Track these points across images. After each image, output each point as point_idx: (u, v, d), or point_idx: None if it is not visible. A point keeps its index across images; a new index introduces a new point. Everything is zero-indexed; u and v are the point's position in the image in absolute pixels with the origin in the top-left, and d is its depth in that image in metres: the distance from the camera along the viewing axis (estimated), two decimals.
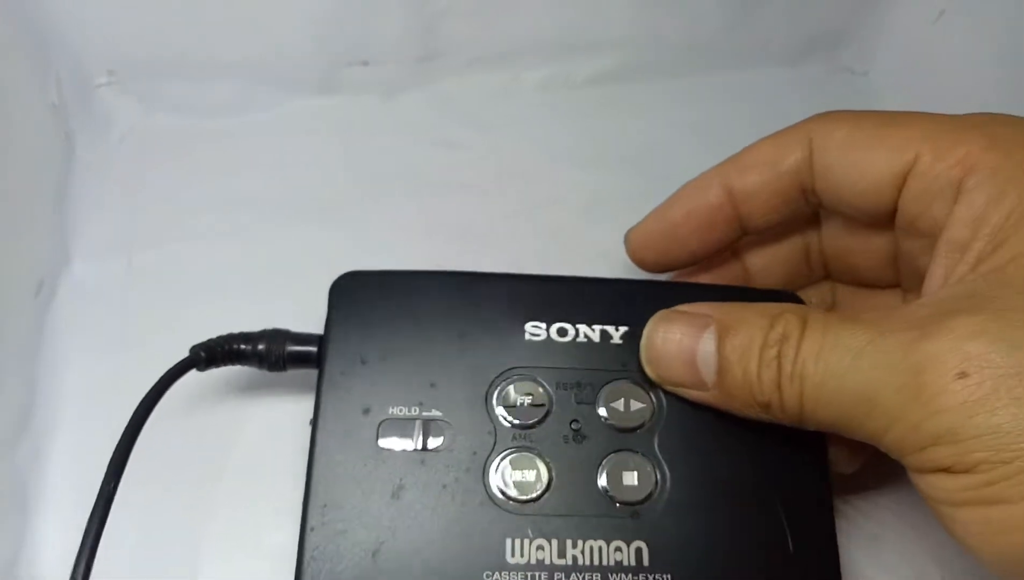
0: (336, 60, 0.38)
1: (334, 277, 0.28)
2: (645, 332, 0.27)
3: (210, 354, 0.27)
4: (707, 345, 0.25)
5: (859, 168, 0.26)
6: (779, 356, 0.23)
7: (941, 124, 0.25)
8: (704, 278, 0.31)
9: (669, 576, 0.24)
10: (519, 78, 0.40)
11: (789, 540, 0.25)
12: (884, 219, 0.27)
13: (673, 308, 0.26)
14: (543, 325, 0.28)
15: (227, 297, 0.33)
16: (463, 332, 0.27)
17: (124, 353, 0.32)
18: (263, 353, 0.27)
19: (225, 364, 0.27)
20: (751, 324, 0.24)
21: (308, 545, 0.24)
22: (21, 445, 0.29)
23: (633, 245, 0.31)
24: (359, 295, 0.28)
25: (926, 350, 0.21)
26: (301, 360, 0.27)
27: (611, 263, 0.33)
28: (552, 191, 0.37)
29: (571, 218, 0.36)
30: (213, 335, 0.27)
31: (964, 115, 0.25)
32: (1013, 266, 0.22)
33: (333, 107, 0.39)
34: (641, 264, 0.31)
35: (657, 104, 0.40)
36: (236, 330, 0.28)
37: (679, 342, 0.25)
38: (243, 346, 0.27)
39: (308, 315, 0.28)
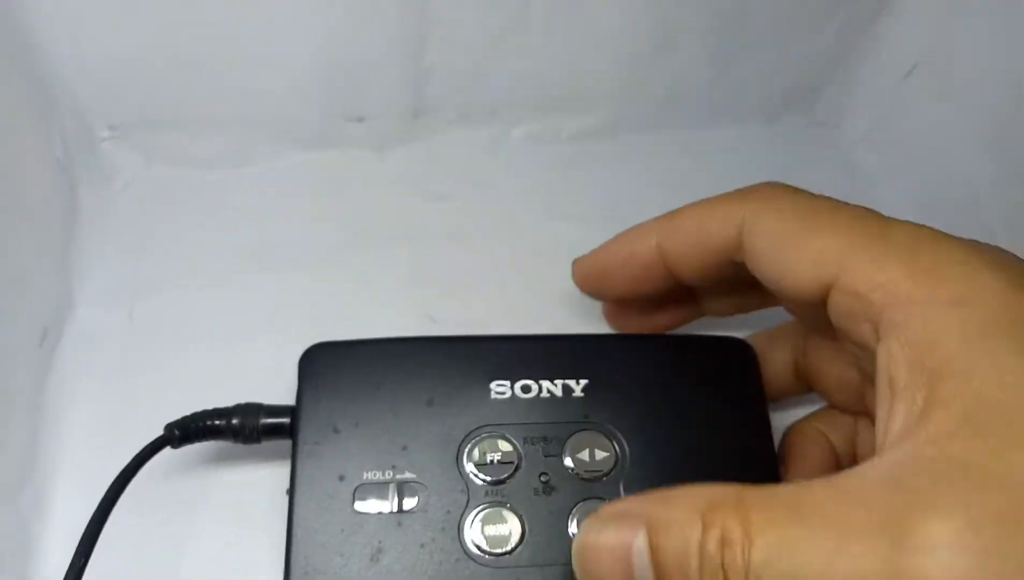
0: (331, 115, 0.40)
1: (328, 326, 0.29)
2: (577, 539, 0.23)
3: (184, 431, 0.28)
4: (640, 553, 0.21)
5: (783, 268, 0.26)
6: (724, 568, 0.20)
7: (865, 237, 0.24)
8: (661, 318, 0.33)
9: None
10: (507, 133, 0.41)
11: None
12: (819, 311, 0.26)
13: (603, 509, 0.23)
14: (507, 383, 0.29)
15: (225, 345, 0.34)
16: (431, 395, 0.29)
17: (125, 402, 0.32)
18: (237, 427, 0.28)
19: (200, 440, 0.28)
20: (681, 523, 0.21)
21: None
22: (24, 492, 0.30)
23: (577, 276, 0.32)
24: (328, 365, 0.29)
25: (906, 570, 0.18)
26: (275, 432, 0.28)
27: (596, 308, 0.34)
28: (537, 242, 0.38)
29: (555, 268, 0.36)
30: (202, 397, 0.28)
31: (894, 225, 0.24)
32: (965, 439, 0.19)
33: (327, 161, 0.40)
34: (584, 292, 0.33)
35: (639, 158, 0.41)
36: (211, 404, 0.28)
37: (612, 551, 0.22)
38: (217, 422, 0.28)
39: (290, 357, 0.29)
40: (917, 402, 0.21)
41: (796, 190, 0.27)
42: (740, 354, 0.30)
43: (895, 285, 0.22)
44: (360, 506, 0.27)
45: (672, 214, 0.29)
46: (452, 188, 0.40)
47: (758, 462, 0.29)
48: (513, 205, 0.40)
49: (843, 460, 0.31)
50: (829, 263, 0.24)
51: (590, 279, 0.32)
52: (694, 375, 0.30)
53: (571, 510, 0.27)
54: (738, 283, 0.29)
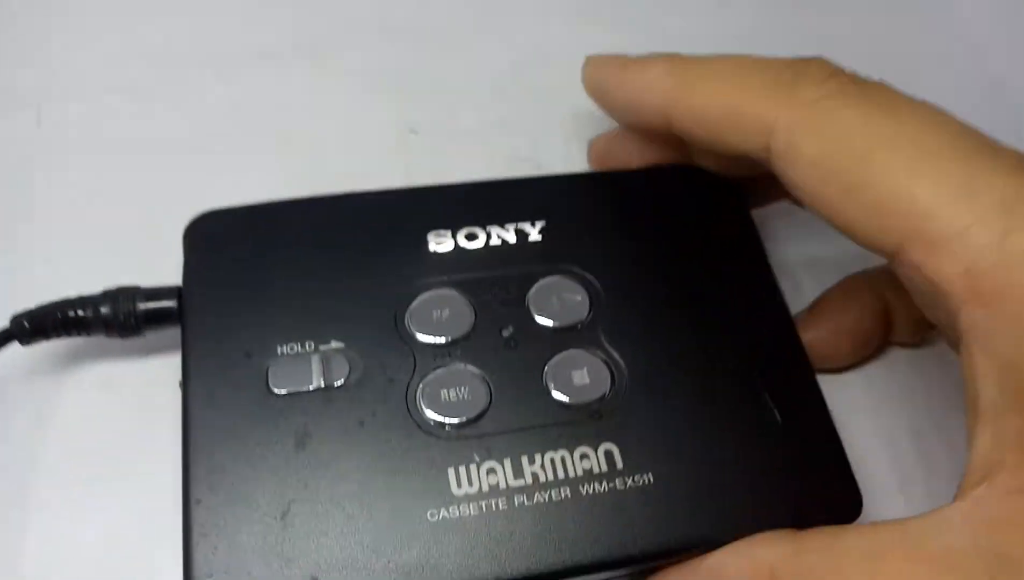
0: None
1: (287, 141, 0.25)
2: None
3: (38, 324, 0.21)
4: None
5: (832, 210, 0.21)
6: None
7: (949, 190, 0.18)
8: None
9: (650, 476, 0.20)
10: None
11: (776, 412, 0.22)
12: None
13: None
14: (447, 233, 0.24)
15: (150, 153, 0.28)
16: (353, 255, 0.23)
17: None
18: (109, 317, 0.22)
19: (60, 335, 0.22)
20: None
21: (196, 521, 0.18)
22: None
23: (586, 81, 0.27)
24: (220, 235, 0.23)
25: None
26: (159, 318, 0.22)
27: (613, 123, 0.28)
28: (544, 44, 0.32)
29: (564, 76, 0.30)
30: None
31: (991, 170, 0.18)
32: None
33: None
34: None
35: None
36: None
37: None
38: (81, 312, 0.21)
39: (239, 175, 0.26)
40: (1008, 432, 0.17)
41: (860, 91, 0.21)
42: (721, 185, 0.26)
43: (982, 272, 0.18)
44: (276, 386, 0.21)
45: (687, 80, 0.23)
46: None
47: (758, 299, 0.24)
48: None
49: (898, 327, 0.26)
50: (892, 224, 0.19)
51: (595, 91, 0.26)
52: (671, 207, 0.25)
53: (543, 366, 0.22)
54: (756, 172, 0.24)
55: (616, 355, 0.22)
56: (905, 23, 0.36)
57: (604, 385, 0.22)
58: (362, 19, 0.33)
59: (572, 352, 0.22)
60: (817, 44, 0.23)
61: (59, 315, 0.21)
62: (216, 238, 0.23)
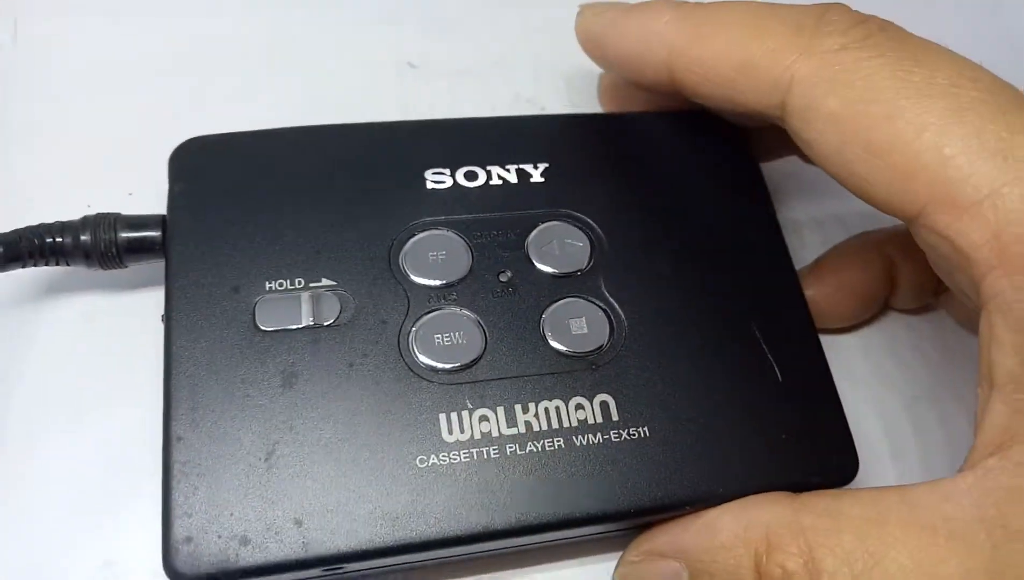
0: None
1: (281, 75, 0.24)
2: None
3: (12, 249, 0.20)
4: None
5: (850, 171, 0.20)
6: None
7: (978, 151, 0.17)
8: None
9: (646, 429, 0.20)
10: None
11: (776, 368, 0.21)
12: None
13: (637, 544, 0.20)
14: (446, 171, 0.23)
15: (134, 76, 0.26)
16: (350, 189, 0.22)
17: None
18: (88, 245, 0.21)
19: (38, 263, 0.20)
20: (729, 562, 0.18)
21: (176, 459, 0.18)
22: None
23: (580, 33, 0.25)
24: (208, 163, 0.22)
25: None
26: (142, 248, 0.21)
27: None
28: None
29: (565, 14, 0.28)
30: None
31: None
32: None
33: None
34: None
35: None
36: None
37: None
38: (59, 238, 0.20)
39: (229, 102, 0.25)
40: (1021, 407, 0.17)
41: (888, 40, 0.19)
42: (727, 131, 0.25)
43: (1013, 238, 0.17)
44: (264, 323, 0.20)
45: (695, 29, 0.22)
46: None
47: (763, 255, 0.23)
48: None
49: (901, 291, 0.26)
50: (918, 186, 0.18)
51: (590, 44, 0.25)
52: (677, 153, 0.24)
53: (541, 313, 0.21)
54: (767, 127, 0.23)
55: (616, 305, 0.21)
56: None
57: (602, 335, 0.21)
58: None
59: (571, 300, 0.21)
60: None
61: (35, 241, 0.20)
62: (203, 166, 0.22)
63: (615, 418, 0.20)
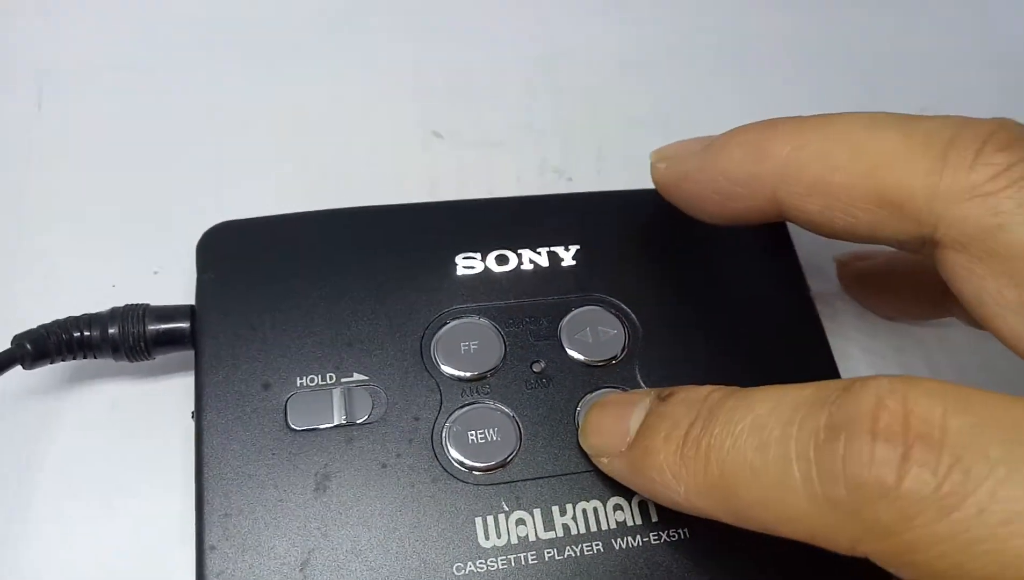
0: None
1: (302, 143, 0.23)
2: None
3: (39, 346, 0.20)
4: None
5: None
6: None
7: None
8: None
9: (686, 530, 0.19)
10: None
11: None
12: None
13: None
14: (477, 255, 0.22)
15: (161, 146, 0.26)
16: (379, 276, 0.21)
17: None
18: (116, 339, 0.20)
19: (65, 358, 0.20)
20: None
21: (210, 570, 0.17)
22: None
23: (658, 179, 0.23)
24: (236, 250, 0.21)
25: None
26: (170, 341, 0.21)
27: (650, 133, 0.25)
28: (571, 41, 0.31)
29: (594, 74, 0.29)
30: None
31: None
32: None
33: None
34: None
35: None
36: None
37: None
38: (88, 333, 0.20)
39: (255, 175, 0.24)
40: None
41: None
42: (779, 233, 0.24)
43: None
44: (295, 422, 0.19)
45: (798, 155, 0.19)
46: None
47: (801, 335, 0.22)
48: None
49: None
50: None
51: (672, 182, 0.22)
52: (710, 231, 0.23)
53: (577, 404, 0.21)
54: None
55: None
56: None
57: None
58: (385, 15, 0.31)
59: (606, 390, 0.21)
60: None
61: (63, 335, 0.20)
62: (231, 253, 0.21)
63: (654, 519, 0.19)
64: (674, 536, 0.19)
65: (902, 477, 0.13)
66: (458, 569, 0.18)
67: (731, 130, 0.21)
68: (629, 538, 0.19)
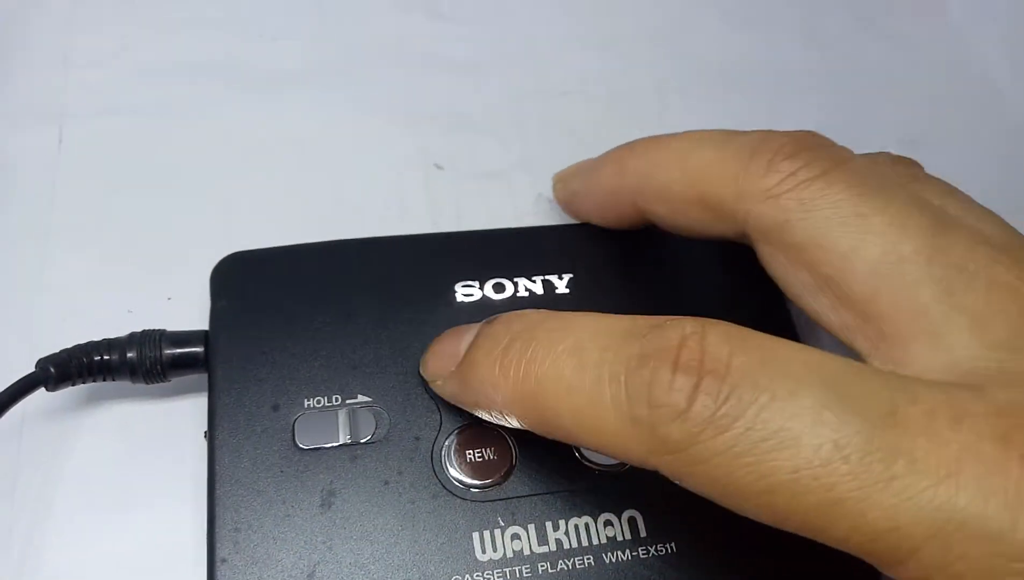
0: None
1: (310, 170, 0.25)
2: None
3: (63, 369, 0.21)
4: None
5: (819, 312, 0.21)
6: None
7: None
8: None
9: (673, 545, 0.20)
10: None
11: None
12: None
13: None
14: (475, 284, 0.23)
15: (173, 180, 0.28)
16: (382, 304, 0.23)
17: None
18: (134, 363, 0.21)
19: (86, 381, 0.21)
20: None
21: (221, 571, 0.19)
22: None
23: (557, 195, 0.27)
24: (247, 279, 0.23)
25: None
26: (185, 365, 0.22)
27: None
28: (563, 74, 0.32)
29: (585, 107, 0.30)
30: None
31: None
32: None
33: None
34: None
35: None
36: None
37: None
38: (107, 357, 0.21)
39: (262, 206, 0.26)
40: None
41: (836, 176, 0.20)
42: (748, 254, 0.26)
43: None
44: (303, 441, 0.21)
45: (650, 169, 0.23)
46: (462, 5, 0.33)
47: None
48: (531, 29, 0.33)
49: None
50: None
51: (568, 203, 0.27)
52: (698, 268, 0.25)
53: None
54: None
55: None
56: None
57: None
58: (384, 50, 0.32)
59: None
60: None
61: (84, 359, 0.21)
62: (242, 282, 0.23)
63: (643, 534, 0.20)
64: (662, 551, 0.20)
65: (692, 403, 0.16)
66: None
67: (607, 152, 0.25)
68: (619, 552, 0.20)
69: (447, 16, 0.33)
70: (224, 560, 0.19)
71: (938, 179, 0.22)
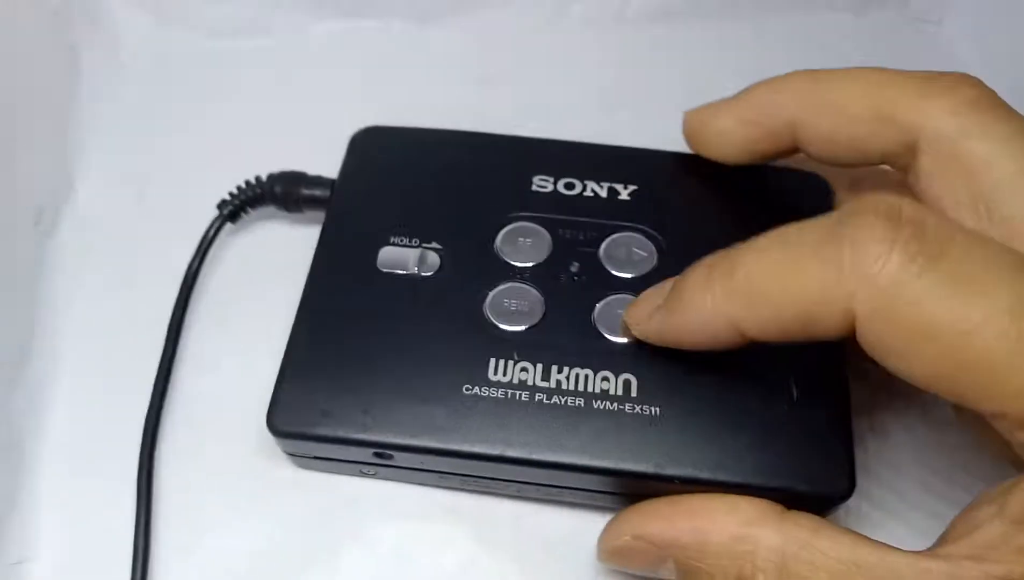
0: None
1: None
2: (601, 545, 0.24)
3: (236, 206, 0.29)
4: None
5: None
6: None
7: None
8: None
9: (657, 409, 0.23)
10: (565, 9, 0.38)
11: (794, 390, 0.24)
12: None
13: (627, 534, 0.23)
14: (551, 179, 0.28)
15: None
16: (472, 182, 0.28)
17: (129, 292, 0.30)
18: (279, 195, 0.29)
19: (247, 212, 0.30)
20: (714, 572, 0.21)
21: (292, 349, 0.25)
22: (16, 394, 0.27)
23: (686, 129, 0.28)
24: (376, 147, 0.29)
25: None
26: (315, 201, 0.29)
27: None
28: (596, 134, 0.34)
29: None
30: None
31: None
32: None
33: (360, 32, 0.36)
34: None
35: (712, 45, 0.38)
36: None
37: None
38: (259, 190, 0.29)
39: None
40: None
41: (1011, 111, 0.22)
42: (816, 191, 0.28)
43: None
44: (381, 265, 0.26)
45: (815, 86, 0.24)
46: (501, 70, 0.36)
47: None
48: (567, 92, 0.36)
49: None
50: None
51: (697, 126, 0.27)
52: (758, 202, 0.28)
53: (596, 302, 0.25)
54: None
55: None
56: None
57: None
58: None
59: (623, 296, 0.25)
60: None
61: (249, 194, 0.29)
62: (371, 148, 0.29)
63: (633, 395, 0.23)
64: (646, 412, 0.23)
65: (894, 246, 0.17)
66: (466, 389, 0.24)
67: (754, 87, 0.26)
68: (607, 403, 0.23)
69: (488, 80, 0.36)
70: (298, 335, 0.25)
71: None
